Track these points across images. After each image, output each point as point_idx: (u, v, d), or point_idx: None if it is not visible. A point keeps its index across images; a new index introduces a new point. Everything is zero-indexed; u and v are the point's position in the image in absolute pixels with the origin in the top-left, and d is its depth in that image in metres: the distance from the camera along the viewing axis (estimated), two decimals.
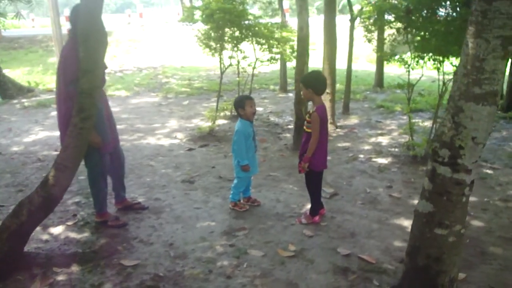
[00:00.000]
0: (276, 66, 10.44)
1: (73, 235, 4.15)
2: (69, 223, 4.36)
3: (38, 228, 3.90)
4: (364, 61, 16.96)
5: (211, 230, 4.15)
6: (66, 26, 18.25)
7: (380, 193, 4.93)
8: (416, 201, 4.67)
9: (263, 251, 3.74)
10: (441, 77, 5.43)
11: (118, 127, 7.97)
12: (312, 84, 4.04)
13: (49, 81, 15.57)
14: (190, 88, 11.71)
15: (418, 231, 2.77)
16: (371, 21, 5.56)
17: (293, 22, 8.89)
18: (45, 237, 4.09)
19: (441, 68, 5.36)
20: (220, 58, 7.06)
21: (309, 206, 4.38)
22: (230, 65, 7.20)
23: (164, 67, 15.81)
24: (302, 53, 6.03)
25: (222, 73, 7.25)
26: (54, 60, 16.09)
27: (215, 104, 9.01)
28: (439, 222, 2.62)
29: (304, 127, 4.21)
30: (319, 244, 3.85)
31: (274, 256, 3.67)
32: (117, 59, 18.60)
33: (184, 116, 8.75)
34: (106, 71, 4.25)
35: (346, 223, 4.23)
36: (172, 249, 3.84)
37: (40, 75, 16.59)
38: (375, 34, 5.77)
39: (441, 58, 5.31)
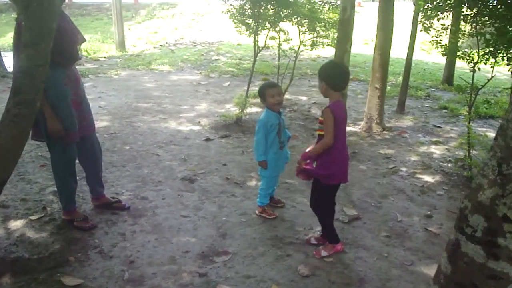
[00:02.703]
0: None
1: (29, 233, 3.51)
2: (33, 217, 3.74)
3: None
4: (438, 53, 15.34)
5: (186, 249, 3.36)
6: None
7: (414, 223, 3.89)
8: None
9: None
10: None
11: (144, 105, 7.50)
12: (327, 76, 3.17)
13: (107, 49, 15.44)
14: (238, 68, 10.88)
15: None
16: (430, 5, 4.40)
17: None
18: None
19: None
20: (254, 38, 6.14)
21: (318, 228, 3.53)
22: (265, 46, 6.28)
23: (220, 43, 15.08)
24: (344, 39, 5.02)
25: (256, 54, 6.34)
26: (113, 29, 15.85)
27: (257, 88, 8.19)
28: None
29: (317, 130, 3.30)
30: None
31: None
32: (177, 31, 18.16)
33: (218, 100, 7.95)
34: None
35: (358, 262, 3.27)
36: (130, 269, 3.10)
37: (99, 43, 16.49)
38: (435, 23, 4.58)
39: None
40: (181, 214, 3.88)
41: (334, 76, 3.16)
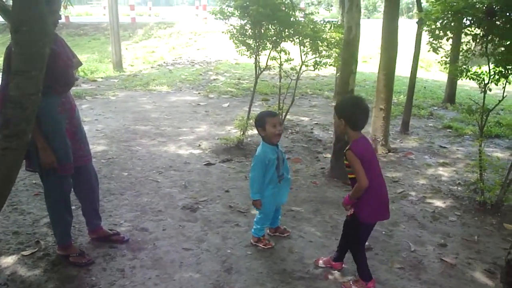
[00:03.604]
0: (334, 70, 9.18)
1: (21, 271, 3.30)
2: (26, 252, 3.53)
3: None
4: (437, 70, 15.26)
5: (190, 287, 3.14)
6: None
7: (429, 253, 3.69)
8: (478, 273, 3.43)
9: None
10: None
11: (142, 127, 7.33)
12: (346, 114, 2.94)
13: (104, 69, 15.32)
14: (237, 88, 10.75)
15: None
16: (438, 24, 4.25)
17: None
18: None
19: None
20: (256, 59, 6.00)
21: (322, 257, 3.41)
22: (267, 67, 6.14)
23: (218, 62, 14.99)
24: (349, 60, 4.86)
25: (257, 75, 6.19)
26: (110, 48, 15.75)
27: (258, 109, 8.03)
28: None
29: (348, 173, 3.05)
30: None
31: None
32: (175, 51, 18.08)
33: (218, 121, 7.79)
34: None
35: None
36: None
37: (96, 63, 16.38)
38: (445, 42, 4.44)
39: None
40: (183, 246, 3.68)
41: (355, 114, 2.91)
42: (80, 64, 3.41)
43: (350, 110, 2.94)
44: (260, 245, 3.68)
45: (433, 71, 15.83)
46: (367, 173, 2.83)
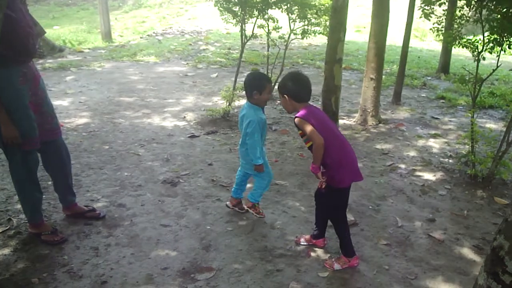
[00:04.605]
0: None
1: None
2: None
3: None
4: (432, 40, 14.98)
5: (165, 265, 3.01)
6: None
7: (416, 229, 3.56)
8: (466, 250, 3.30)
9: None
10: None
11: (127, 99, 7.10)
12: (288, 89, 2.92)
13: (93, 40, 14.94)
14: (227, 58, 10.48)
15: None
16: None
17: None
18: None
19: None
20: (242, 27, 5.75)
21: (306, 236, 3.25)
22: (253, 35, 5.89)
23: (209, 32, 14.64)
24: (337, 28, 4.63)
25: (243, 44, 5.95)
26: (99, 19, 15.33)
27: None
28: None
29: (305, 143, 2.96)
30: None
31: None
32: (165, 20, 17.69)
33: (205, 92, 7.57)
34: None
35: (357, 277, 2.94)
36: None
37: (85, 34, 16.01)
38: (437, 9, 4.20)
39: None
40: (161, 223, 3.53)
41: (296, 87, 2.89)
42: (44, 32, 3.17)
43: (291, 84, 2.91)
44: (254, 212, 3.58)
45: (428, 41, 15.56)
46: (322, 133, 2.76)
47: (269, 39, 6.26)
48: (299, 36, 5.99)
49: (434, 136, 5.74)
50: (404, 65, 7.00)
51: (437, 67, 9.83)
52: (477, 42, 4.11)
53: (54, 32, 15.10)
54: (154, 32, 14.97)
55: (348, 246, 3.02)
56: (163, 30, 15.42)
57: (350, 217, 3.65)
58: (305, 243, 3.26)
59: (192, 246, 3.24)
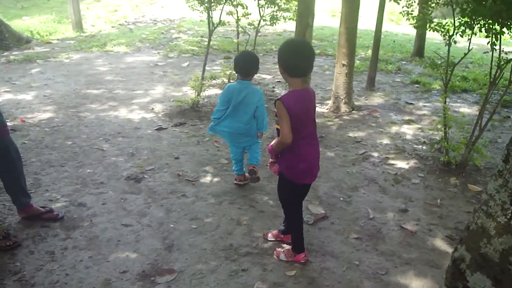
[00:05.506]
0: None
1: None
2: None
3: None
4: (408, 24, 14.90)
5: (125, 269, 2.84)
6: None
7: (388, 221, 3.45)
8: (439, 241, 3.20)
9: None
10: (496, 54, 3.80)
11: (94, 91, 6.85)
12: (283, 59, 2.58)
13: (63, 30, 14.47)
14: (199, 46, 10.24)
15: None
16: None
17: None
18: None
19: (497, 44, 3.72)
20: (208, 14, 5.54)
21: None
22: (221, 22, 5.68)
23: (182, 20, 14.32)
24: (305, 13, 4.47)
25: (211, 32, 5.75)
26: (69, 8, 14.84)
27: (218, 68, 7.63)
28: None
29: (276, 123, 2.75)
30: None
31: None
32: (138, 9, 17.25)
33: (175, 82, 7.35)
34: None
35: (325, 274, 2.81)
36: None
37: (55, 24, 15.49)
38: None
39: (499, 29, 3.68)
40: (122, 222, 3.36)
41: (292, 58, 2.53)
42: None
43: (286, 54, 2.56)
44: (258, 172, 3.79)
45: (404, 25, 15.45)
46: (294, 131, 2.52)
47: (239, 26, 6.05)
48: (269, 23, 5.79)
49: (408, 122, 5.64)
50: (377, 49, 6.89)
51: (412, 51, 9.74)
52: (448, 25, 3.98)
53: (23, 23, 14.58)
54: (126, 21, 14.59)
55: (297, 241, 2.90)
56: (135, 18, 15.04)
57: (320, 210, 3.54)
58: (272, 239, 3.13)
59: (154, 246, 3.07)
